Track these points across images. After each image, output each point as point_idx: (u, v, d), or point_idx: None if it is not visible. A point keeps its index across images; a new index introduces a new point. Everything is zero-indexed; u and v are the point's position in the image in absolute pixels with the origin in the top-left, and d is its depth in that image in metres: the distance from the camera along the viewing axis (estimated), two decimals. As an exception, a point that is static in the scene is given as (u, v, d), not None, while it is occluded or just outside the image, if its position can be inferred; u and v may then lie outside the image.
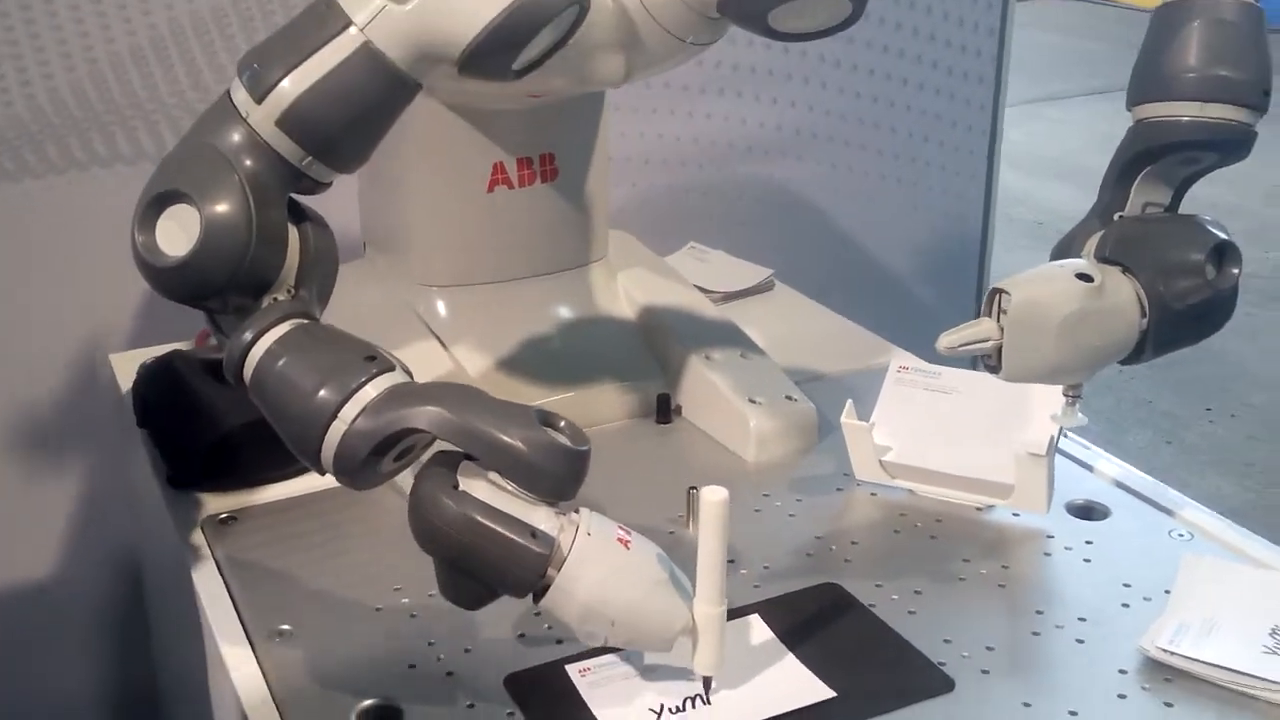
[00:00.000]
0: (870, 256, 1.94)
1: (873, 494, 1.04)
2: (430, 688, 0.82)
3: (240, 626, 0.89)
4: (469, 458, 0.75)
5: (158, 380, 1.06)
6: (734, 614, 0.85)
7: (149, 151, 1.41)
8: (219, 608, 0.91)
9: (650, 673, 0.82)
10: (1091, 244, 0.87)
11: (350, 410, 0.75)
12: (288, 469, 1.06)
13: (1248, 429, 2.91)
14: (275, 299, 0.79)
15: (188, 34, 1.40)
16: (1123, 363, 0.84)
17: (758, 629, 0.86)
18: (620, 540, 0.76)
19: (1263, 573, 0.92)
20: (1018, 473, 0.97)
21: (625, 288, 1.23)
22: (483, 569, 0.74)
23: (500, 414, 0.74)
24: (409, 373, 0.79)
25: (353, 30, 0.77)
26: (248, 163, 0.78)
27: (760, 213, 1.82)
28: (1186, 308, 0.81)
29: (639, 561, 0.76)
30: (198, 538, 0.99)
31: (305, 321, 0.79)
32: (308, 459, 0.77)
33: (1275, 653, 0.83)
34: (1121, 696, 0.81)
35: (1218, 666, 0.81)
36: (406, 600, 0.91)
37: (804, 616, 0.87)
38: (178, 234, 0.77)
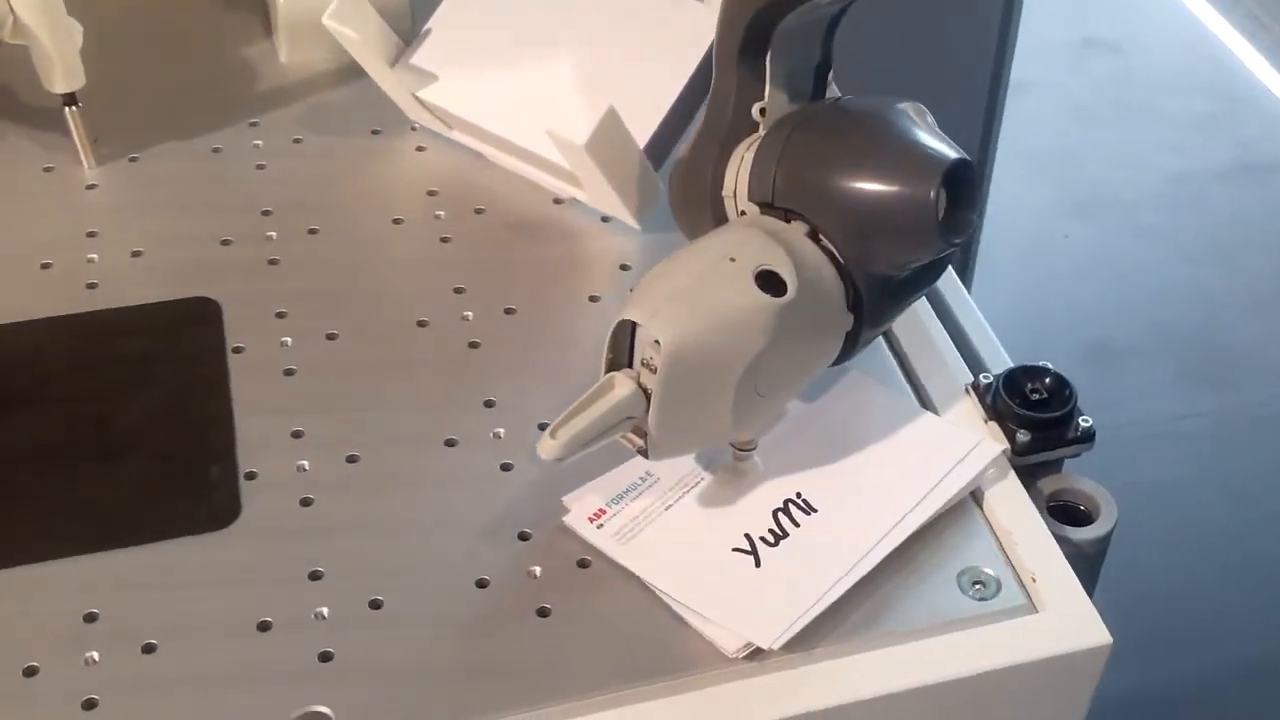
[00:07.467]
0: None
1: (420, 149, 0.74)
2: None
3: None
4: None
5: None
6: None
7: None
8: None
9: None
10: (737, 173, 0.53)
11: None
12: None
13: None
14: None
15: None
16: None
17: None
18: None
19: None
20: (569, 158, 0.63)
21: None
22: None
23: None
24: None
25: None
26: None
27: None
28: (906, 275, 0.49)
29: None
30: None
31: None
32: None
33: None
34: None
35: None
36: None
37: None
38: None
